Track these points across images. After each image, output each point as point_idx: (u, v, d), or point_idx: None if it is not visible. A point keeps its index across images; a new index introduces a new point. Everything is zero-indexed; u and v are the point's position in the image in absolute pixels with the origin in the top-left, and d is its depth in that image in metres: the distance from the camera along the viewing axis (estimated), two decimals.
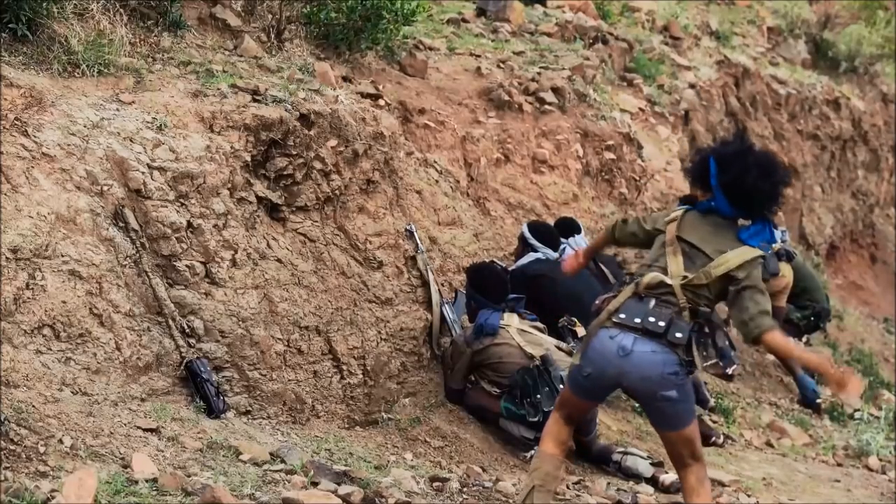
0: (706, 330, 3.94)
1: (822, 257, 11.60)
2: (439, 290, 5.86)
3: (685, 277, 3.86)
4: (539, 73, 7.96)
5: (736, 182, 3.88)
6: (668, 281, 3.88)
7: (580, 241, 6.49)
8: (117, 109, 4.79)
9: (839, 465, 6.80)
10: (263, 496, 3.64)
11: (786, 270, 7.61)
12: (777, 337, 3.87)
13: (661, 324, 3.85)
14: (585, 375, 3.98)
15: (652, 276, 3.91)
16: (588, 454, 5.49)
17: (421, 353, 5.70)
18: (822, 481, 6.15)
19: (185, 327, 4.57)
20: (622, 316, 3.90)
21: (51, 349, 4.02)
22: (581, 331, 5.80)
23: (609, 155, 7.92)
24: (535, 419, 5.21)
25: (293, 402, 4.94)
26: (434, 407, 5.50)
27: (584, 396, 4.11)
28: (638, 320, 3.87)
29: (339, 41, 6.58)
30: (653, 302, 3.89)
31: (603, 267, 6.50)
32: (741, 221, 3.99)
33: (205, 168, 4.80)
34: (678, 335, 3.84)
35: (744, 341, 4.11)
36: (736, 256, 3.85)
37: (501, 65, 7.93)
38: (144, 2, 5.63)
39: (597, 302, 4.10)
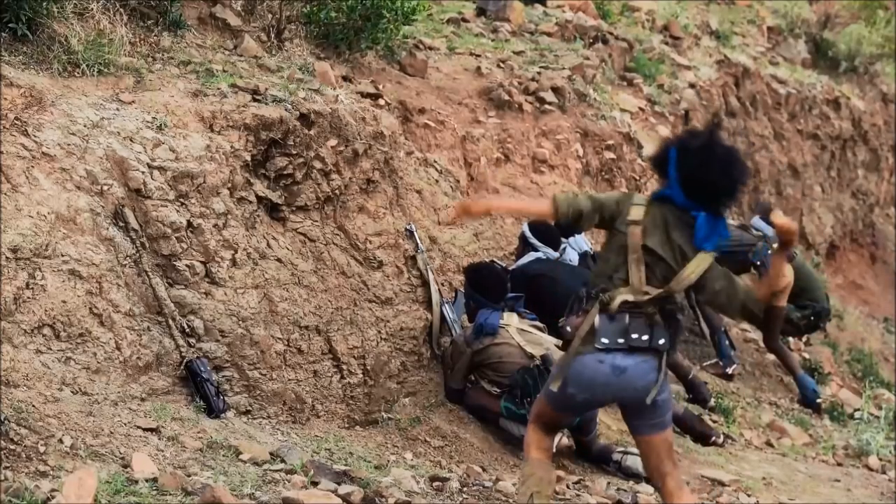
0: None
1: (822, 257, 11.60)
2: (439, 289, 5.85)
3: (647, 293, 3.81)
4: (539, 73, 7.95)
5: (694, 174, 3.81)
6: (631, 298, 3.81)
7: (580, 241, 6.49)
8: (117, 109, 4.79)
9: (839, 464, 6.80)
10: (263, 496, 3.64)
11: (786, 270, 7.60)
12: (763, 290, 3.89)
13: (645, 337, 3.81)
14: (579, 400, 3.92)
15: (618, 301, 3.81)
16: (588, 454, 5.49)
17: (421, 353, 5.69)
18: (822, 481, 6.15)
19: (185, 327, 4.57)
20: (605, 341, 3.81)
21: (51, 349, 4.02)
22: None
23: (609, 154, 7.91)
24: None
25: (293, 401, 4.94)
26: (434, 407, 5.50)
27: (568, 412, 4.10)
28: (621, 340, 3.81)
29: (339, 41, 6.58)
30: (627, 317, 3.82)
31: None
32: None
33: (205, 168, 4.80)
34: (661, 342, 3.82)
35: (753, 323, 4.05)
36: (693, 269, 3.81)
37: (501, 64, 7.92)
38: (144, 1, 5.63)
39: (567, 328, 3.98)
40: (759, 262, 7.52)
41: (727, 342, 7.69)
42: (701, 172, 3.80)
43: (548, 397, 4.00)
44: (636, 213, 3.87)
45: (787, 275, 7.62)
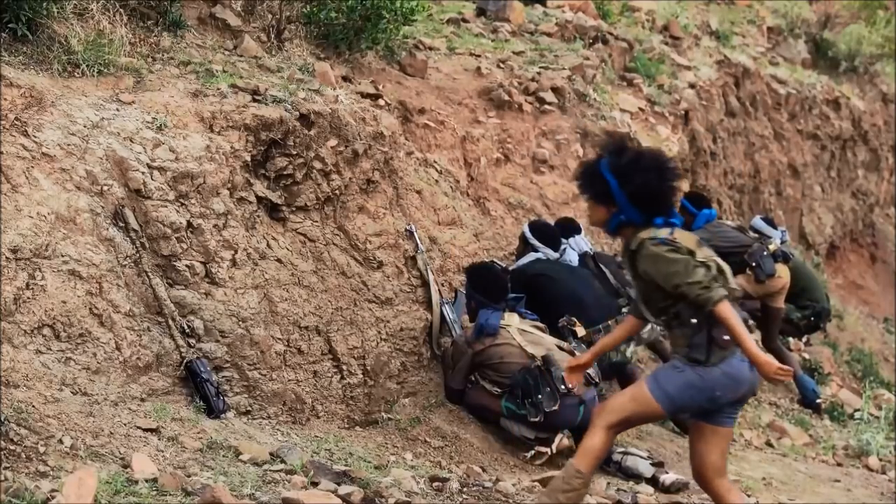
0: None
1: (822, 257, 11.60)
2: (439, 290, 5.85)
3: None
4: (539, 73, 7.96)
5: (643, 189, 3.91)
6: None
7: (580, 242, 6.48)
8: (117, 109, 4.79)
9: (839, 464, 6.80)
10: (263, 496, 3.64)
11: (782, 271, 7.62)
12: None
13: None
14: (723, 402, 3.94)
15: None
16: None
17: (421, 353, 5.69)
18: (822, 481, 6.16)
19: (185, 327, 4.57)
20: None
21: (51, 349, 4.02)
22: (581, 331, 5.80)
23: None
24: (536, 419, 5.22)
25: (293, 402, 4.94)
26: (434, 407, 5.50)
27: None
28: None
29: (339, 41, 6.58)
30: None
31: (603, 267, 6.49)
32: None
33: (205, 168, 4.80)
34: None
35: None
36: None
37: (501, 64, 7.92)
38: (144, 2, 5.63)
39: (723, 337, 3.93)
40: (755, 264, 7.53)
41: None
42: (647, 184, 3.92)
43: (668, 402, 3.94)
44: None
45: (784, 275, 7.65)
